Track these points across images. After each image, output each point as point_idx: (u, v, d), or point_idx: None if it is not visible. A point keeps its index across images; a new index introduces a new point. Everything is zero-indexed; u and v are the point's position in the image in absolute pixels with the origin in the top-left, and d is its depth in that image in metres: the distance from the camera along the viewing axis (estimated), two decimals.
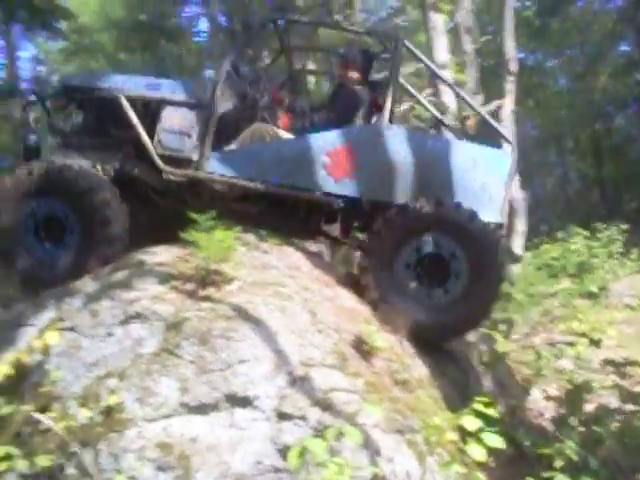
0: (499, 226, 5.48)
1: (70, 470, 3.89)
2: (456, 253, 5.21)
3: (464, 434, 3.62)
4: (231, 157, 5.52)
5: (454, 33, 8.57)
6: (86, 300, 4.39)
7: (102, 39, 18.47)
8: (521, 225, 8.58)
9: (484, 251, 5.19)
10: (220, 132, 5.51)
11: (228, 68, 5.58)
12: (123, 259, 4.80)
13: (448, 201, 5.24)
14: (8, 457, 3.79)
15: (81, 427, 3.95)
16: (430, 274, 5.27)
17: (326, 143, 5.40)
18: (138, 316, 4.17)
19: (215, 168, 5.47)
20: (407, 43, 5.60)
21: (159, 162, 5.43)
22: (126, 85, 5.65)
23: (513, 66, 8.53)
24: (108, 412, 3.94)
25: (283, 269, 4.78)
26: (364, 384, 4.16)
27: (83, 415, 4.00)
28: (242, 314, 4.08)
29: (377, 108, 5.79)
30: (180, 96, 5.56)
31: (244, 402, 3.90)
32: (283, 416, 3.86)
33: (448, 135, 6.75)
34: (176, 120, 5.49)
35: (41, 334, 4.42)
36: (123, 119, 5.48)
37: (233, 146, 5.64)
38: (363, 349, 4.48)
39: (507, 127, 8.30)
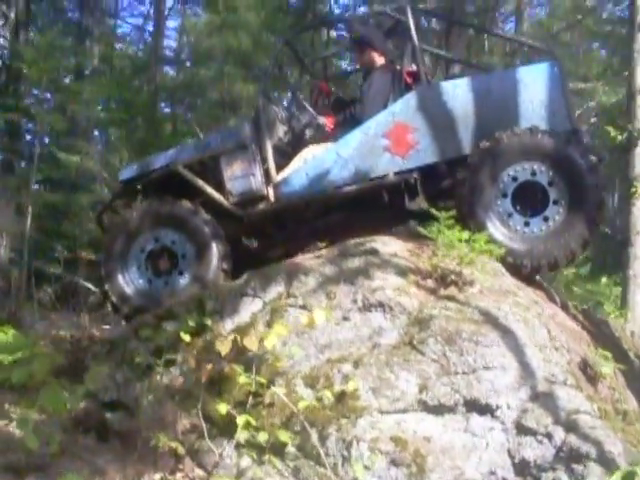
0: (574, 132, 5.30)
1: (291, 448, 3.90)
2: (554, 179, 5.05)
3: None
4: (298, 178, 5.59)
5: None
6: (322, 280, 4.36)
7: (249, 17, 18.57)
8: None
9: (583, 174, 5.01)
10: (278, 162, 5.68)
11: (262, 99, 5.85)
12: (350, 245, 4.77)
13: (536, 129, 5.10)
14: (246, 425, 3.82)
15: (307, 407, 3.96)
16: (528, 204, 5.13)
17: (378, 127, 5.42)
18: (380, 305, 4.12)
19: (287, 193, 5.59)
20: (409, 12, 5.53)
21: (236, 210, 5.64)
22: (179, 155, 5.88)
23: None
24: (340, 397, 3.92)
25: (511, 278, 4.66)
26: (597, 410, 4.00)
27: (312, 395, 4.02)
28: (490, 320, 3.98)
29: (407, 83, 5.75)
30: (229, 143, 5.71)
31: (483, 409, 3.80)
32: (524, 430, 3.74)
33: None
34: (236, 166, 5.65)
35: (270, 307, 4.45)
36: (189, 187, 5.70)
37: (288, 171, 5.71)
38: (589, 373, 4.33)
39: None
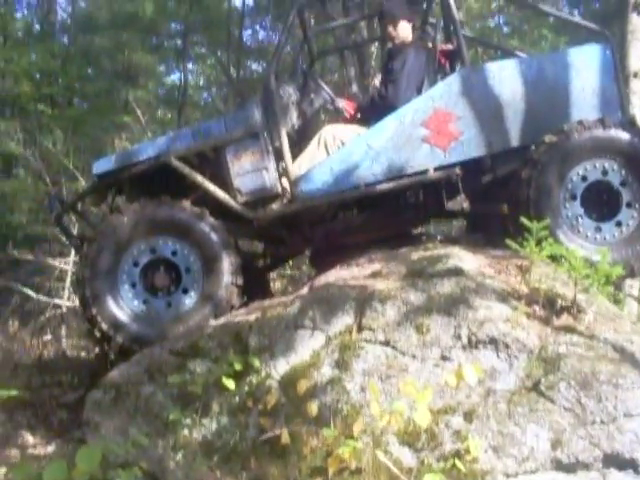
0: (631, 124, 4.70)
1: None
2: (627, 179, 4.51)
3: None
4: (320, 173, 4.76)
5: None
6: (406, 310, 3.56)
7: None
8: None
9: None
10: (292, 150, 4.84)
11: (274, 78, 4.83)
12: (420, 260, 4.00)
13: (608, 121, 4.53)
14: None
15: (407, 470, 3.20)
16: (594, 207, 4.56)
17: (416, 115, 4.68)
18: (492, 342, 3.37)
19: (307, 191, 4.76)
20: None
21: (246, 212, 4.76)
22: (171, 145, 4.87)
23: None
24: (455, 457, 3.17)
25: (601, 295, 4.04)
26: None
27: (411, 456, 3.24)
28: (626, 356, 3.32)
29: (440, 63, 5.11)
30: (237, 130, 4.79)
31: (624, 464, 3.17)
32: None
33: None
34: (245, 158, 4.76)
35: (337, 342, 3.62)
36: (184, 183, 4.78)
37: (305, 159, 4.93)
38: None
39: None
